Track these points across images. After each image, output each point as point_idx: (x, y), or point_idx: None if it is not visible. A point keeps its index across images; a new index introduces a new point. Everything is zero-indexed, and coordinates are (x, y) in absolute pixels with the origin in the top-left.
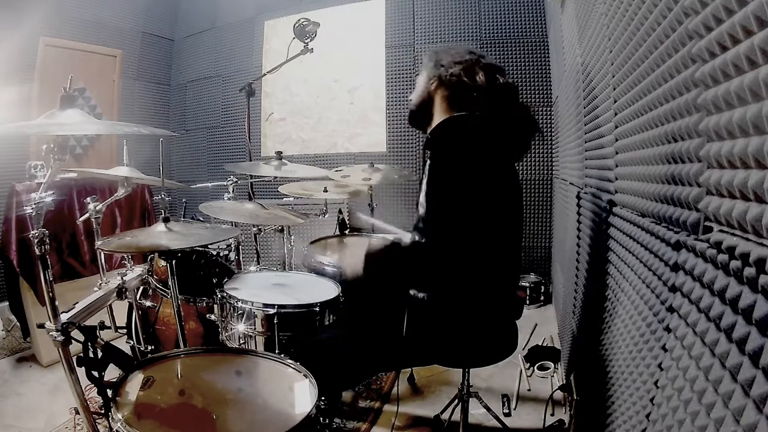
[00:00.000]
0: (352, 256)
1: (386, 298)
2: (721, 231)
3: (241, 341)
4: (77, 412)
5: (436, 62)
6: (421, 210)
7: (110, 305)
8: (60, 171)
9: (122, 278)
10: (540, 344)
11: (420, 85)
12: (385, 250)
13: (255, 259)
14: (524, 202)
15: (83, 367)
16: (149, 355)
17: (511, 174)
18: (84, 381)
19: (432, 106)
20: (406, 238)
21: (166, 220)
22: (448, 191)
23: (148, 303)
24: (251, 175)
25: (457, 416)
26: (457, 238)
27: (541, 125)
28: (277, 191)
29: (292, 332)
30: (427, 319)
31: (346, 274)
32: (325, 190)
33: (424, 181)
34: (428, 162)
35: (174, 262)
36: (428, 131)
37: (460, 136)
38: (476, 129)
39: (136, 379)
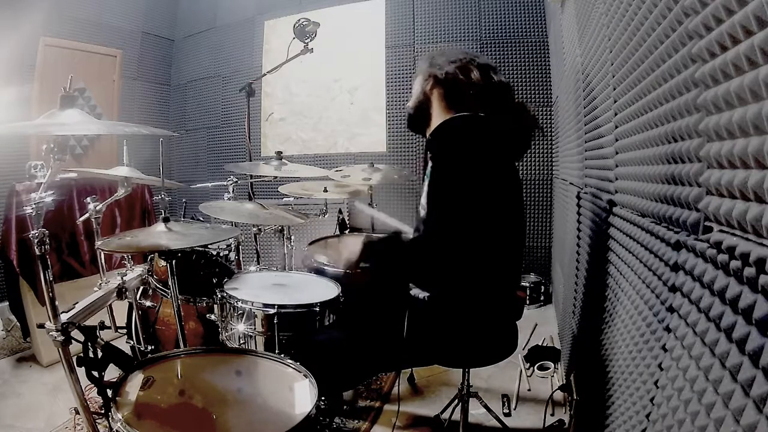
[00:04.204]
0: (348, 248)
1: (386, 298)
2: (721, 231)
3: (241, 341)
4: (77, 412)
5: (430, 63)
6: (423, 212)
7: (110, 305)
8: (60, 171)
9: (122, 278)
10: (540, 344)
11: (416, 89)
12: (384, 240)
13: (255, 259)
14: (524, 202)
15: (83, 367)
16: (149, 355)
17: (512, 174)
18: (84, 381)
19: (429, 106)
20: (408, 233)
21: (166, 220)
22: (451, 192)
23: (148, 303)
24: (251, 175)
25: (457, 416)
26: (458, 237)
27: (541, 125)
28: (277, 191)
29: (292, 332)
30: (428, 320)
31: (340, 266)
32: (325, 190)
33: (425, 184)
34: (429, 164)
35: (174, 262)
36: (428, 133)
37: (461, 137)
38: (477, 129)
39: (136, 379)
